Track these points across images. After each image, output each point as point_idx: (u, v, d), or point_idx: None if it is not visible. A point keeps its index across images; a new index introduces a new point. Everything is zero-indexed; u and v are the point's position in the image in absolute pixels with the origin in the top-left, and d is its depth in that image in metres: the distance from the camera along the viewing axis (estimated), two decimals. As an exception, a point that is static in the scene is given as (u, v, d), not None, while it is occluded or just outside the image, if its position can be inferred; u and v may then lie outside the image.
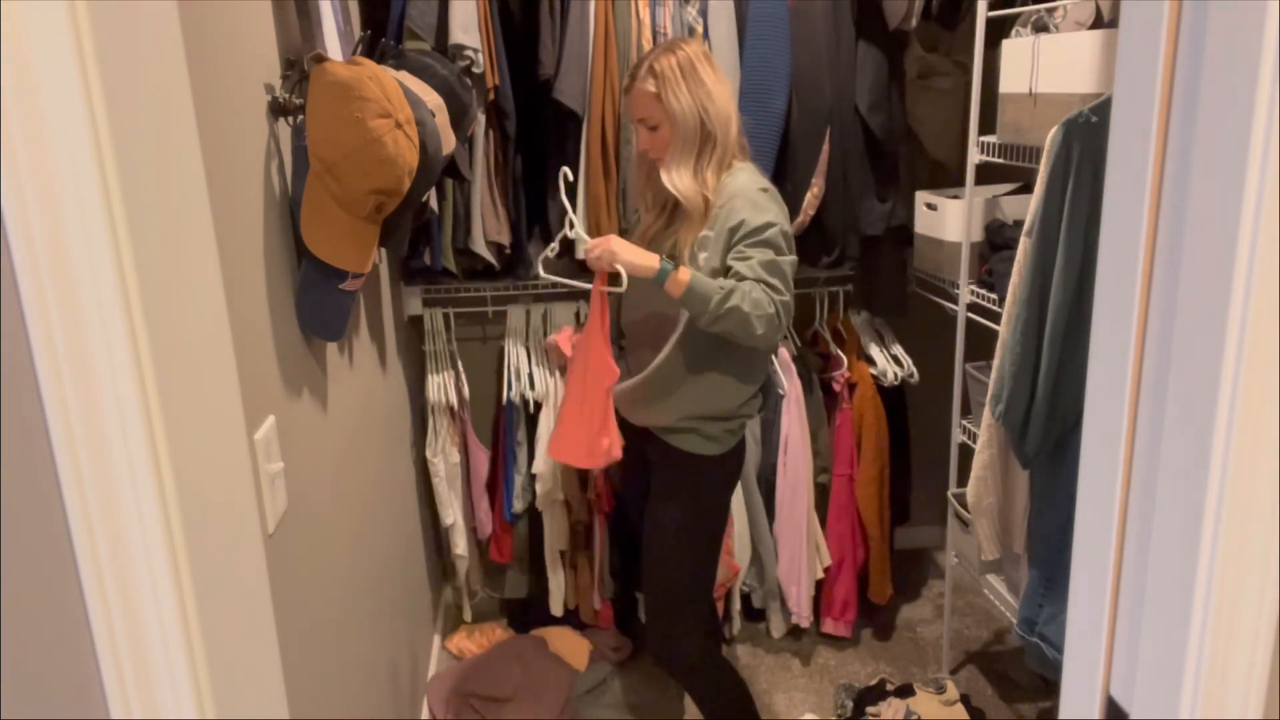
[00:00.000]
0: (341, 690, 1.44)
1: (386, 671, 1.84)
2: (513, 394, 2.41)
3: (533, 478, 2.42)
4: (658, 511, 1.81)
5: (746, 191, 1.69)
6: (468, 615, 2.67)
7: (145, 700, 0.66)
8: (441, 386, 2.41)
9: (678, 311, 1.70)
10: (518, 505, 2.48)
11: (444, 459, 2.42)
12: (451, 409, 2.43)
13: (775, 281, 1.61)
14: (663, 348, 1.71)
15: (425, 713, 2.23)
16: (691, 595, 1.84)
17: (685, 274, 1.59)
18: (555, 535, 2.44)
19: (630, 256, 1.62)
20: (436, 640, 2.55)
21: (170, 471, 0.64)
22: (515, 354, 2.47)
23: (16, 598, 0.60)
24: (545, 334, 2.52)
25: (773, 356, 2.44)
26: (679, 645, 1.85)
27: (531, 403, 2.41)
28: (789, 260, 1.66)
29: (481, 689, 2.23)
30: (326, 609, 1.37)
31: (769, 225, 1.64)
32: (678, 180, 1.71)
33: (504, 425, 2.46)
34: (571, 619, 2.55)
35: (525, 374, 2.43)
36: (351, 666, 1.52)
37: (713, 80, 1.70)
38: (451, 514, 2.47)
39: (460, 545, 2.51)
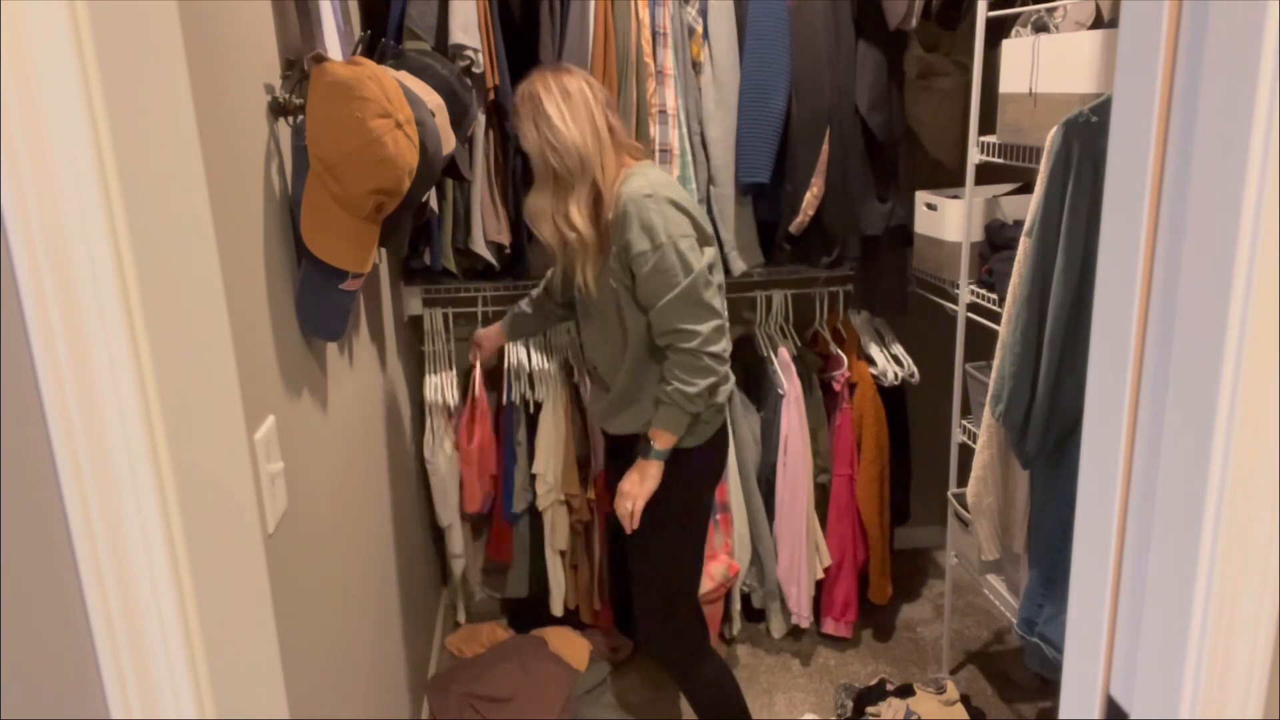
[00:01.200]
0: (341, 690, 1.44)
1: (386, 671, 1.84)
2: (512, 394, 2.41)
3: (533, 477, 2.42)
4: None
5: (631, 202, 1.63)
6: (462, 616, 2.67)
7: (145, 700, 0.66)
8: (439, 387, 2.41)
9: (621, 337, 1.76)
10: (518, 505, 2.48)
11: (442, 459, 2.42)
12: (449, 409, 2.43)
13: (682, 324, 1.64)
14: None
15: (425, 713, 2.23)
16: (673, 589, 1.85)
17: (658, 439, 1.71)
18: (556, 535, 2.44)
19: (645, 489, 1.73)
20: (436, 640, 2.55)
21: (170, 471, 0.64)
22: (515, 354, 2.47)
23: (16, 598, 0.60)
24: (545, 334, 2.52)
25: (772, 355, 2.44)
26: (665, 639, 1.88)
27: (531, 403, 2.41)
28: (691, 282, 1.62)
29: (481, 689, 2.23)
30: (326, 609, 1.37)
31: (657, 247, 1.61)
32: (535, 220, 1.73)
33: (504, 425, 2.46)
34: (572, 619, 2.55)
35: (525, 374, 2.43)
36: (352, 666, 1.52)
37: (560, 112, 1.63)
38: (448, 515, 2.47)
39: (457, 545, 2.51)
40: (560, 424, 2.37)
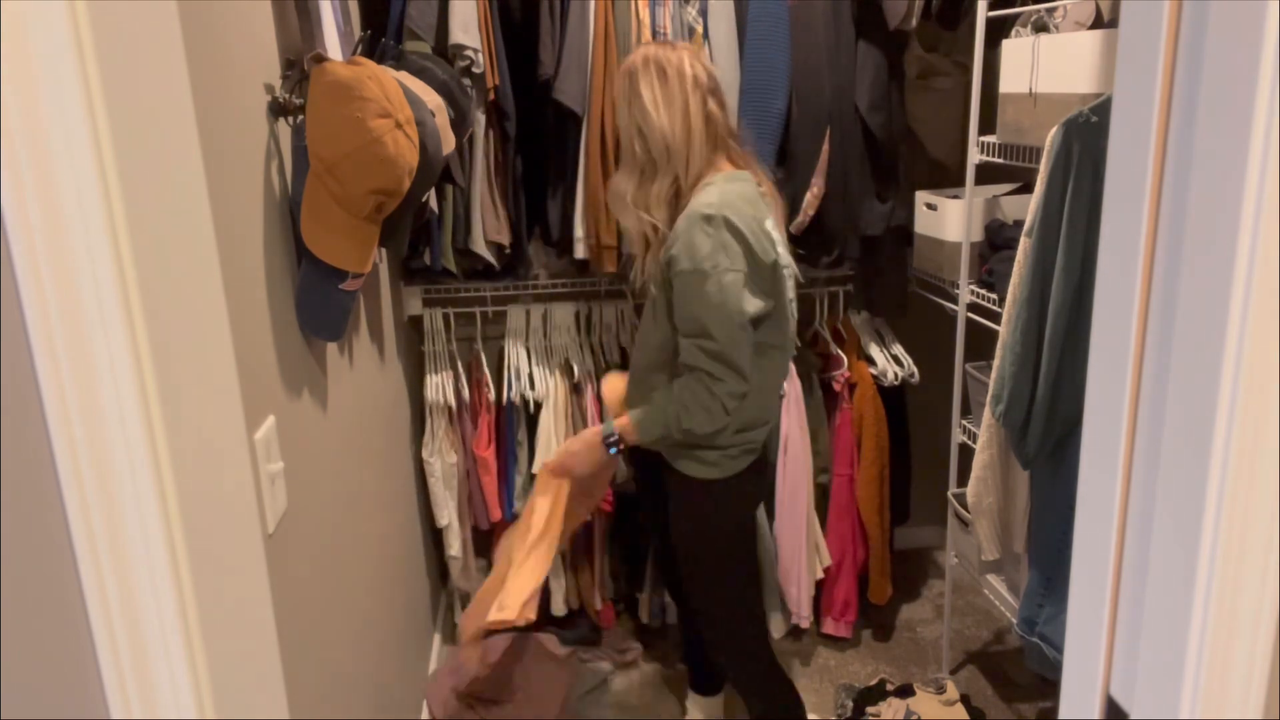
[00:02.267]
0: (342, 690, 1.44)
1: (386, 671, 1.84)
2: (512, 394, 2.41)
3: (533, 478, 2.42)
4: (674, 534, 1.81)
5: (691, 218, 1.50)
6: (458, 617, 2.66)
7: (145, 700, 0.66)
8: (439, 387, 2.40)
9: (651, 341, 1.67)
10: (519, 505, 2.48)
11: (440, 459, 2.42)
12: (449, 410, 2.42)
13: (712, 368, 1.49)
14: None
15: (425, 713, 2.23)
16: (722, 612, 1.84)
17: (625, 423, 1.63)
18: None
19: (576, 462, 1.67)
20: (436, 640, 2.55)
21: (170, 471, 0.64)
22: (515, 354, 2.47)
23: (16, 598, 0.60)
24: (545, 334, 2.52)
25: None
26: (722, 656, 1.91)
27: (531, 403, 2.41)
28: (729, 318, 1.48)
29: (481, 689, 2.23)
30: (326, 609, 1.37)
31: (700, 273, 1.46)
32: (614, 205, 1.63)
33: (504, 425, 2.46)
34: (577, 619, 2.56)
35: (525, 374, 2.43)
36: (352, 666, 1.52)
37: (653, 95, 1.52)
38: (446, 515, 2.46)
39: (454, 546, 2.50)
40: (560, 424, 2.37)
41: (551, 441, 2.37)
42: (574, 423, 2.42)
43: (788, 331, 1.68)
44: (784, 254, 1.63)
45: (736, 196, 1.53)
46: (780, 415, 1.87)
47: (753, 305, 1.52)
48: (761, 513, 2.43)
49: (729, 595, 1.81)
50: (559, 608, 2.52)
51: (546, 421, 2.39)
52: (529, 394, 2.40)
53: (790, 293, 1.66)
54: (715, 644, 1.90)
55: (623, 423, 1.66)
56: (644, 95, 1.53)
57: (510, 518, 2.50)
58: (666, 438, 1.61)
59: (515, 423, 2.44)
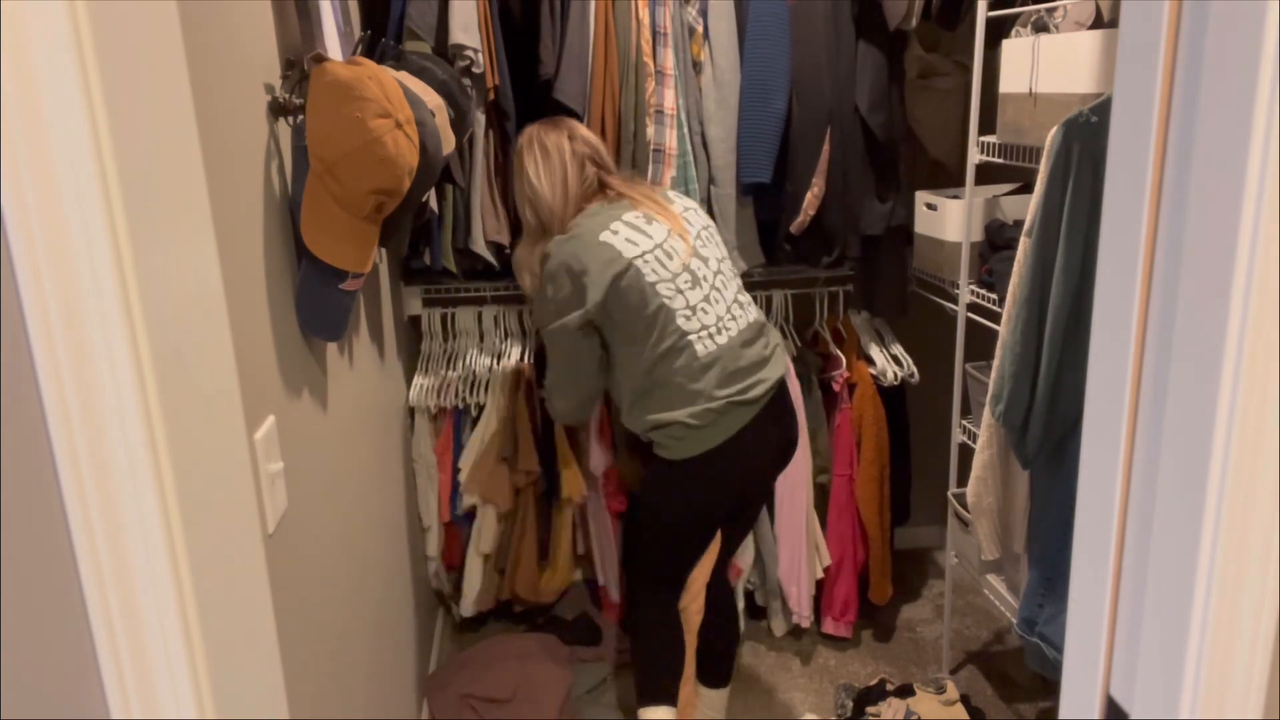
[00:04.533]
0: (341, 690, 1.44)
1: (386, 671, 1.84)
2: (458, 398, 2.40)
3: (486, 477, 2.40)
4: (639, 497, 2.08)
5: (557, 244, 1.76)
6: (458, 618, 2.66)
7: (145, 700, 0.66)
8: (423, 389, 2.39)
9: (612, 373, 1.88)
10: (461, 507, 2.45)
11: (425, 460, 2.41)
12: (431, 412, 2.42)
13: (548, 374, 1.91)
14: None
15: (425, 713, 2.23)
16: (640, 573, 2.02)
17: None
18: (482, 537, 2.42)
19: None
20: (436, 640, 2.55)
21: (170, 471, 0.64)
22: (473, 358, 2.47)
23: (16, 598, 0.60)
24: (500, 335, 2.52)
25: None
26: (630, 612, 2.10)
27: (472, 407, 2.41)
28: (553, 332, 1.77)
29: (481, 689, 2.23)
30: (326, 609, 1.37)
31: (543, 296, 1.77)
32: (517, 270, 1.91)
33: (453, 427, 2.45)
34: (577, 619, 2.55)
35: (471, 377, 2.42)
36: (351, 666, 1.52)
37: (537, 169, 1.79)
38: (428, 516, 2.45)
39: (431, 547, 2.48)
40: (489, 426, 2.36)
41: (476, 443, 2.37)
42: (511, 427, 2.40)
43: (660, 325, 1.74)
44: (648, 241, 1.74)
45: (572, 240, 1.75)
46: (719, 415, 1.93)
47: (571, 319, 1.74)
48: (763, 514, 2.43)
49: (643, 561, 2.01)
50: (467, 609, 2.49)
51: (479, 425, 2.39)
52: (469, 398, 2.39)
53: (657, 275, 1.73)
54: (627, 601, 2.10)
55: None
56: (529, 171, 1.79)
57: (455, 520, 2.47)
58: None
59: (463, 426, 2.44)
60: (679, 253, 1.75)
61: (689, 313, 1.74)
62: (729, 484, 1.87)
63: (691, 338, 1.74)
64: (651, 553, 1.98)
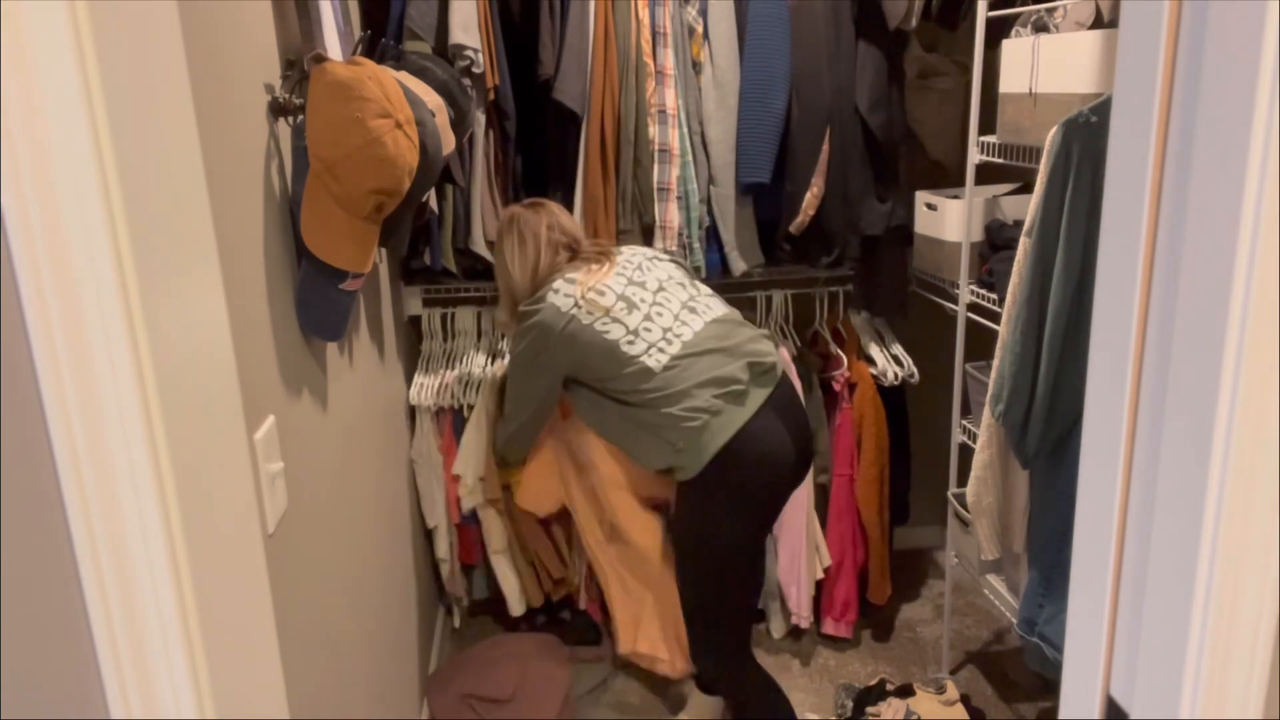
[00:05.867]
0: (341, 690, 1.44)
1: (386, 671, 1.84)
2: (452, 399, 2.40)
3: (480, 480, 2.40)
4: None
5: (529, 304, 1.90)
6: (457, 621, 2.66)
7: (145, 700, 0.66)
8: (423, 388, 2.39)
9: (592, 411, 1.96)
10: (464, 507, 2.45)
11: (427, 460, 2.41)
12: (432, 411, 2.42)
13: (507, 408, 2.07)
14: None
15: (425, 713, 2.23)
16: (695, 612, 1.95)
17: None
18: (491, 537, 2.41)
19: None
20: (436, 640, 2.55)
21: (170, 471, 0.64)
22: (467, 357, 2.47)
23: (16, 598, 0.60)
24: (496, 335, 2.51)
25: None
26: (699, 659, 2.01)
27: (465, 408, 2.41)
28: (514, 387, 1.99)
29: (481, 689, 2.23)
30: (326, 609, 1.37)
31: (512, 356, 1.96)
32: (505, 329, 2.11)
33: (452, 427, 2.45)
34: (577, 619, 2.56)
35: (466, 378, 2.42)
36: (352, 666, 1.52)
37: (513, 251, 1.94)
38: (434, 516, 2.45)
39: (442, 548, 2.48)
40: (481, 427, 2.36)
41: (470, 444, 2.37)
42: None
43: (614, 359, 1.83)
44: (579, 288, 1.87)
45: (540, 312, 1.88)
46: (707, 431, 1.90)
47: (544, 379, 1.94)
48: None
49: (707, 603, 1.93)
50: (515, 608, 2.48)
51: (470, 425, 2.38)
52: (462, 398, 2.39)
53: (592, 315, 1.84)
54: (692, 645, 2.00)
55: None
56: (506, 253, 1.96)
57: (464, 520, 2.47)
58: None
59: (461, 426, 2.44)
60: (611, 288, 1.86)
61: (631, 337, 1.82)
62: (757, 480, 1.84)
63: (642, 358, 1.81)
64: (711, 593, 1.93)
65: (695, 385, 1.78)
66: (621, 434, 1.91)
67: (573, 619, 2.58)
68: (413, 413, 2.42)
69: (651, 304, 1.86)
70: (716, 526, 1.85)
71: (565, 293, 1.86)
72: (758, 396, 1.81)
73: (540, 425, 2.09)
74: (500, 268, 1.98)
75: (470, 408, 2.40)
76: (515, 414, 2.05)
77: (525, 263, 1.94)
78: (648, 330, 1.83)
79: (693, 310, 1.89)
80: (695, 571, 1.93)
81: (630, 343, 1.82)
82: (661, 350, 1.81)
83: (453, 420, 2.43)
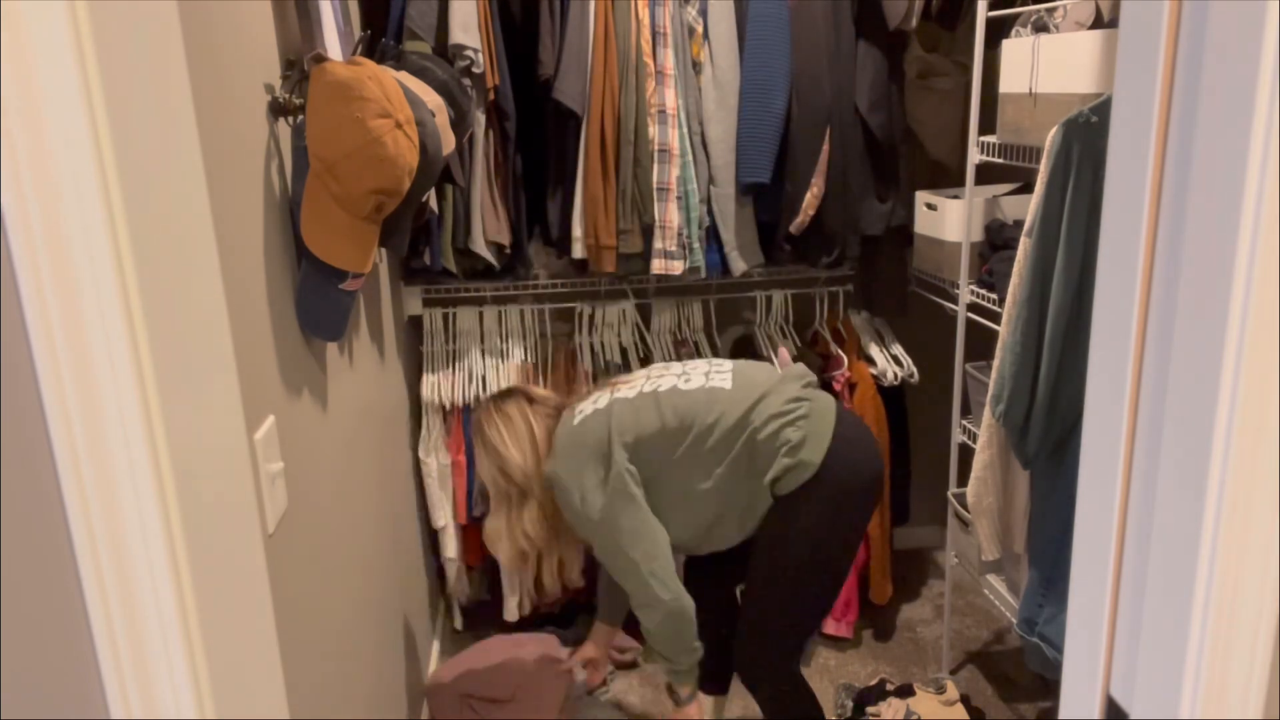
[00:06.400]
0: (341, 690, 1.44)
1: (386, 671, 1.84)
2: (468, 397, 2.40)
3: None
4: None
5: (554, 460, 1.71)
6: (458, 623, 2.66)
7: (145, 700, 0.66)
8: (435, 386, 2.40)
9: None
10: (476, 508, 2.44)
11: (436, 459, 2.41)
12: (443, 409, 2.42)
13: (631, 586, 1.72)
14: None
15: (425, 713, 2.23)
16: (800, 625, 1.86)
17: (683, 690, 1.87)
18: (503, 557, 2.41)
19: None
20: (436, 640, 2.55)
21: (170, 471, 0.64)
22: (476, 359, 2.47)
23: (16, 598, 0.60)
24: (501, 336, 2.50)
25: (772, 355, 2.43)
26: (782, 672, 1.86)
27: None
28: (608, 539, 1.69)
29: (481, 689, 2.23)
30: (326, 609, 1.37)
31: (574, 503, 1.68)
32: (493, 544, 1.83)
33: (464, 428, 2.45)
34: (577, 619, 2.56)
35: (479, 376, 2.42)
36: (351, 666, 1.52)
37: (501, 436, 1.74)
38: (443, 516, 2.45)
39: (450, 548, 2.48)
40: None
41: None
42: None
43: (679, 413, 1.69)
44: (609, 394, 1.77)
45: (557, 448, 1.74)
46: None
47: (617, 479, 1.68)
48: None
49: (816, 606, 1.84)
50: (510, 613, 2.50)
51: None
52: (483, 395, 2.39)
53: (635, 389, 1.74)
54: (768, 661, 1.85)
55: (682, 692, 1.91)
56: (493, 441, 1.75)
57: (472, 520, 2.47)
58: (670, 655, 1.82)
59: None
60: (633, 377, 1.80)
61: (685, 379, 1.73)
62: (868, 470, 1.75)
63: (706, 385, 1.71)
64: (825, 601, 1.84)
65: (770, 391, 1.70)
66: (715, 505, 1.72)
67: (573, 619, 2.58)
68: (420, 412, 2.42)
69: (679, 372, 1.78)
70: (832, 529, 1.72)
71: (592, 398, 1.75)
72: (828, 414, 1.74)
73: (669, 559, 1.72)
74: (489, 466, 1.77)
75: (478, 400, 2.39)
76: (638, 575, 1.68)
77: (520, 441, 1.75)
78: (693, 369, 1.77)
79: (719, 370, 1.79)
80: (815, 584, 1.77)
81: (686, 380, 1.73)
82: (719, 374, 1.74)
83: (462, 418, 2.43)
